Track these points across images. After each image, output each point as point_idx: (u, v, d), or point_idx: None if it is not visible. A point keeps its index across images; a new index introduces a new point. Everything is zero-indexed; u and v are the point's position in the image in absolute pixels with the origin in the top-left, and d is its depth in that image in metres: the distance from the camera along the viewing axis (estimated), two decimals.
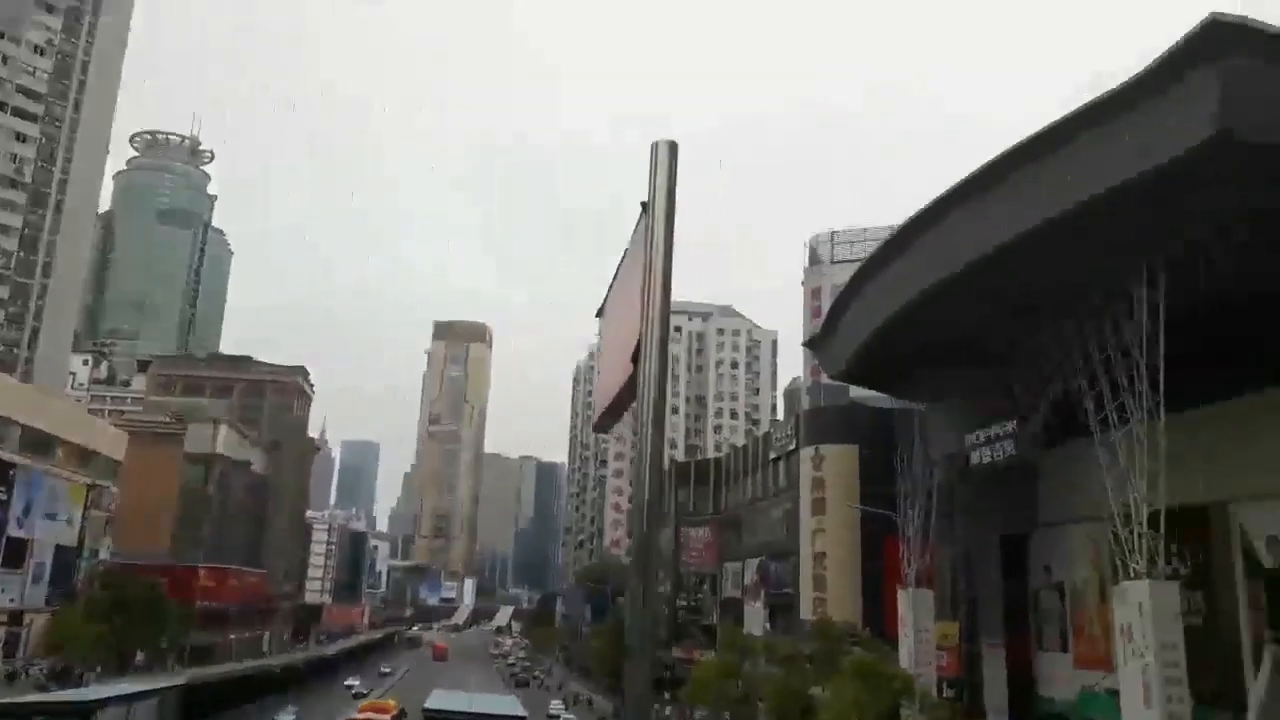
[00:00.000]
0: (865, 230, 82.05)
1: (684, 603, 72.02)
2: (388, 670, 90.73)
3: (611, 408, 3.52)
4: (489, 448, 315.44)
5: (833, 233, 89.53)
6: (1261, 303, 20.50)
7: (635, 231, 3.06)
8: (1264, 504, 23.93)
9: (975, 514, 35.85)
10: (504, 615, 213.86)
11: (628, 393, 3.09)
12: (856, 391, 55.18)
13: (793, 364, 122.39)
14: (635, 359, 2.87)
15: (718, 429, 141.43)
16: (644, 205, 2.91)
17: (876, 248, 32.67)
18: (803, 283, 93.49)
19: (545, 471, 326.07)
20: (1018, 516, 34.30)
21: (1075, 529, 30.73)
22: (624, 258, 3.31)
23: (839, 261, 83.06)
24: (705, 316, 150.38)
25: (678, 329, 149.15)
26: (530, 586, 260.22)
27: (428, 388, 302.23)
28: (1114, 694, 22.93)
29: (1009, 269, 23.11)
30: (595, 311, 3.82)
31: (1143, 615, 20.53)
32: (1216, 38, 16.72)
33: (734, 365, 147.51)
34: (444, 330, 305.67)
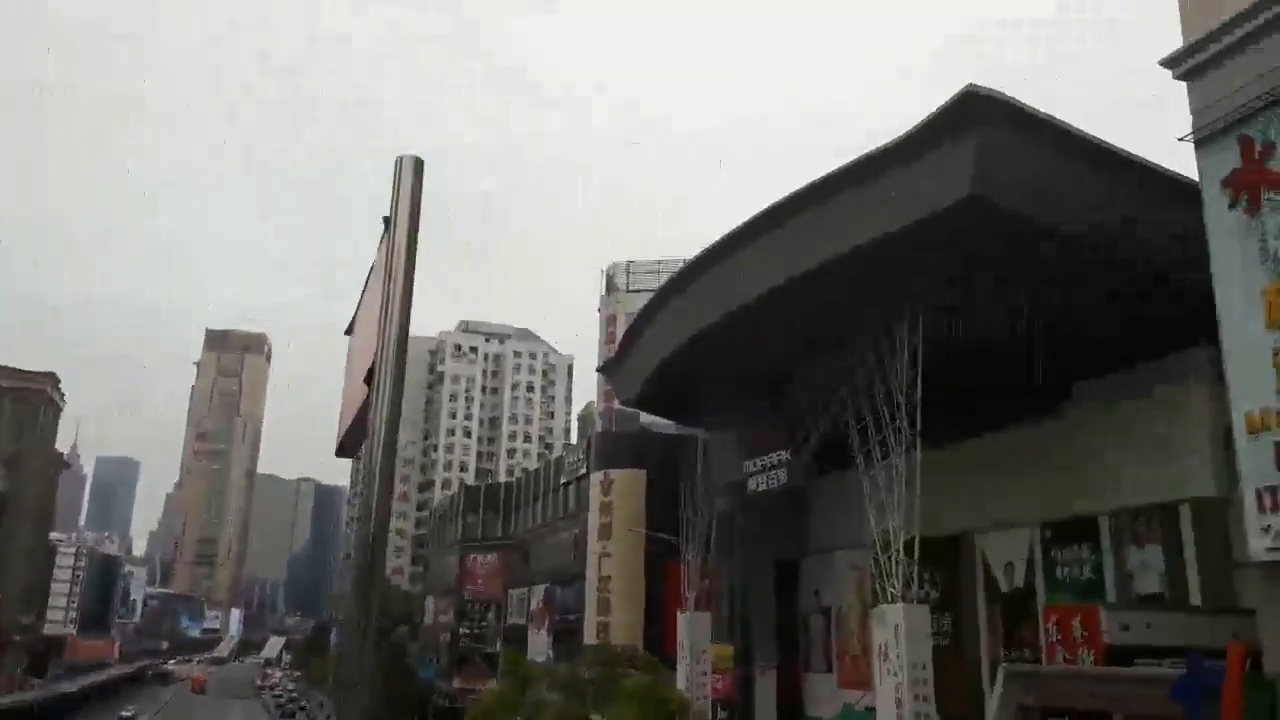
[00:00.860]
0: (660, 262, 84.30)
1: (467, 631, 70.49)
2: (129, 714, 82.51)
3: (352, 430, 3.33)
4: (264, 467, 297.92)
5: (629, 262, 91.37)
6: (1004, 350, 22.58)
7: (380, 248, 2.91)
8: (1002, 534, 26.28)
9: (752, 540, 37.27)
10: (274, 646, 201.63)
11: (366, 414, 2.92)
12: (648, 417, 56.22)
13: (590, 388, 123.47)
14: (369, 380, 2.72)
15: (511, 453, 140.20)
16: (386, 221, 2.77)
17: (668, 280, 33.66)
18: (599, 309, 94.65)
19: (325, 495, 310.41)
20: (791, 543, 36.02)
21: (842, 555, 32.57)
22: (369, 275, 3.16)
23: (635, 290, 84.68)
24: (503, 339, 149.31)
25: (474, 349, 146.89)
26: (304, 615, 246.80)
27: (197, 401, 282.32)
28: (872, 711, 24.36)
29: (784, 308, 24.35)
30: (344, 329, 3.63)
31: (897, 636, 21.97)
32: (973, 108, 18.41)
33: (530, 388, 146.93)
34: (218, 340, 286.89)
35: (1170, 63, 16.41)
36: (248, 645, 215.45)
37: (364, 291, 3.26)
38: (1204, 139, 15.80)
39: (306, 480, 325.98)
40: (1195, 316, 16.15)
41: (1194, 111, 16.14)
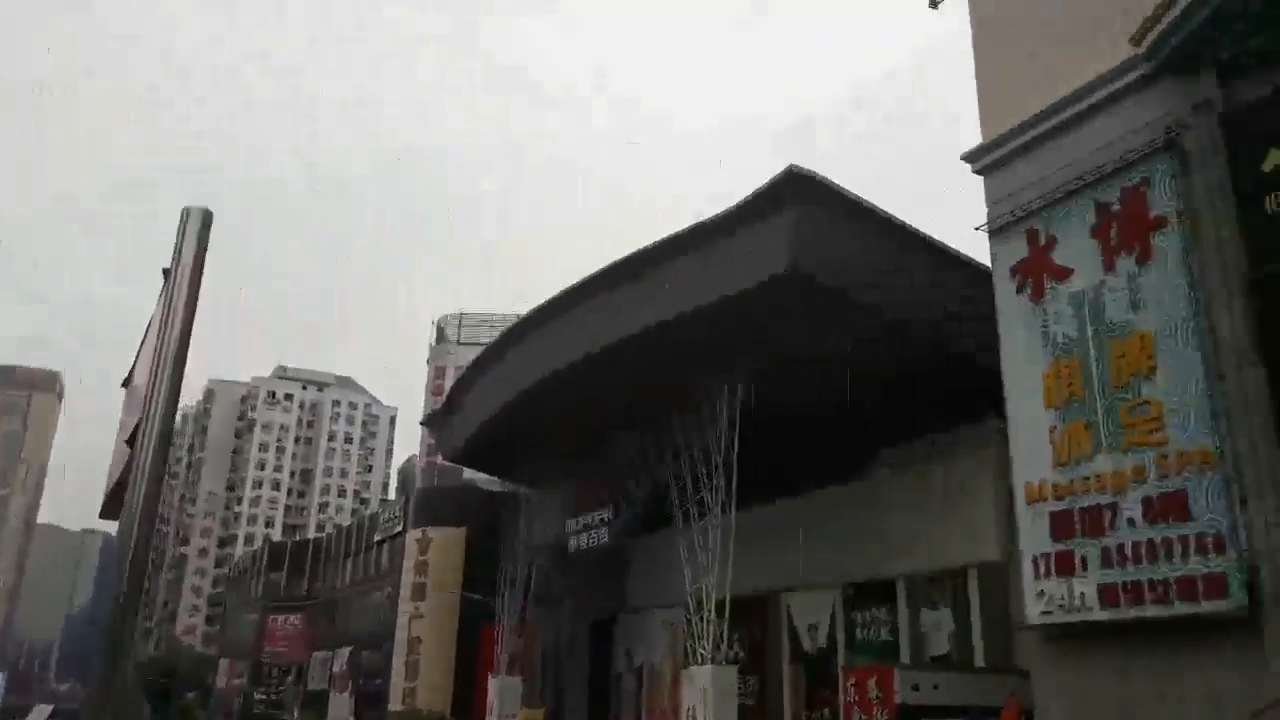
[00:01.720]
0: (492, 315, 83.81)
1: (263, 695, 66.14)
2: None
3: (116, 491, 3.08)
4: (45, 517, 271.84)
5: (461, 314, 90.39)
6: (816, 416, 23.62)
7: (159, 299, 2.73)
8: (808, 594, 27.22)
9: (571, 600, 37.01)
10: (40, 715, 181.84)
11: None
12: (472, 473, 55.13)
13: (413, 441, 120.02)
14: (132, 441, 2.52)
15: (324, 507, 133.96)
16: (165, 272, 2.61)
17: (499, 335, 33.41)
18: (428, 360, 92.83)
19: (112, 549, 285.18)
20: (609, 603, 35.99)
21: (657, 614, 32.79)
22: (148, 326, 2.95)
23: (465, 344, 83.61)
24: (321, 386, 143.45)
25: (289, 396, 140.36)
26: (79, 682, 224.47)
27: None
28: None
29: (607, 370, 24.63)
30: (121, 381, 3.37)
31: (705, 698, 22.21)
32: (793, 187, 19.43)
33: (349, 439, 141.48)
34: (3, 376, 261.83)
35: (969, 158, 17.92)
36: (9, 713, 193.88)
37: (142, 342, 3.05)
38: (996, 229, 17.25)
39: (92, 532, 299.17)
40: (988, 391, 17.42)
41: (989, 204, 17.62)
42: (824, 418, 23.35)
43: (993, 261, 17.46)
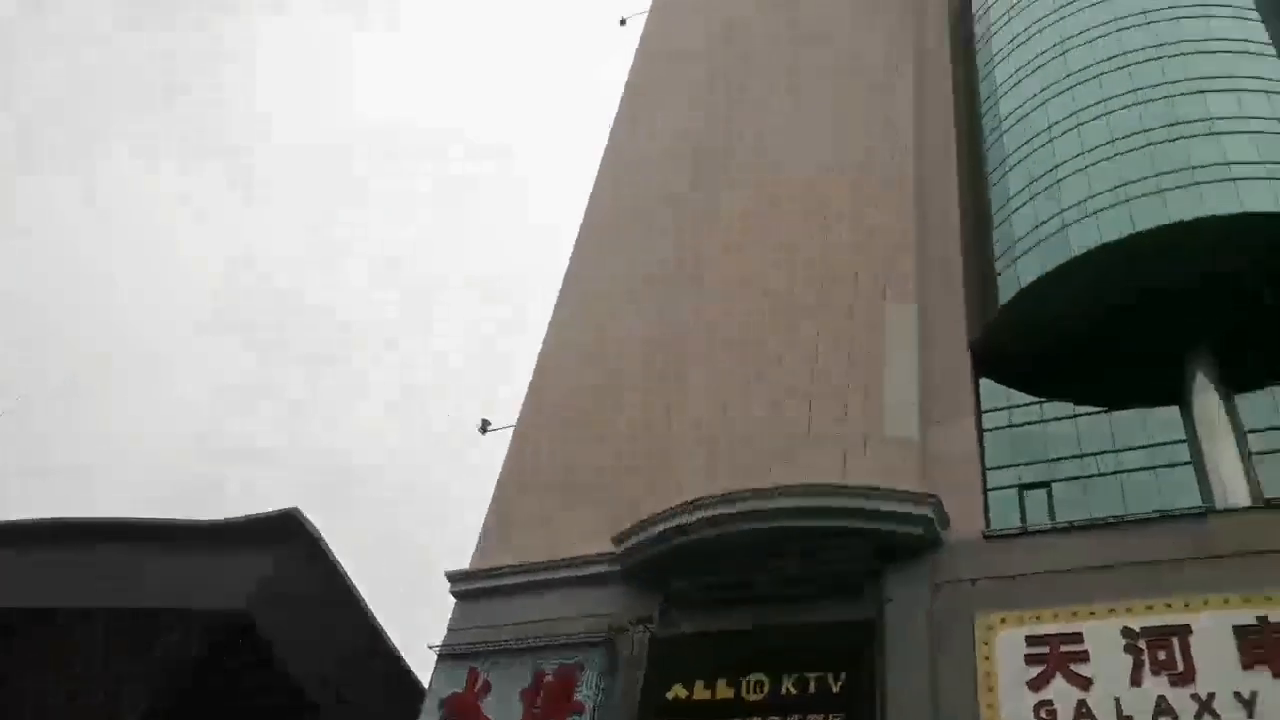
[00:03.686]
0: None
1: None
2: None
3: None
4: None
5: None
6: None
7: None
8: None
9: None
10: None
11: None
12: None
13: None
14: None
15: None
16: None
17: None
18: None
19: None
20: None
21: None
22: None
23: None
24: None
25: None
26: None
27: None
28: None
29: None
30: None
31: None
32: (276, 524, 18.66)
33: None
34: None
35: (450, 578, 18.25)
36: None
37: None
38: (443, 655, 17.17)
39: None
40: None
41: (450, 627, 17.68)
42: None
43: (430, 683, 17.13)
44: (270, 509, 19.19)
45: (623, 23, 34.66)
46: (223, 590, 18.11)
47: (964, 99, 23.45)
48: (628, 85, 30.16)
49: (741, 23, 28.95)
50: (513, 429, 21.34)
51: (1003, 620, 13.30)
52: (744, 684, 14.80)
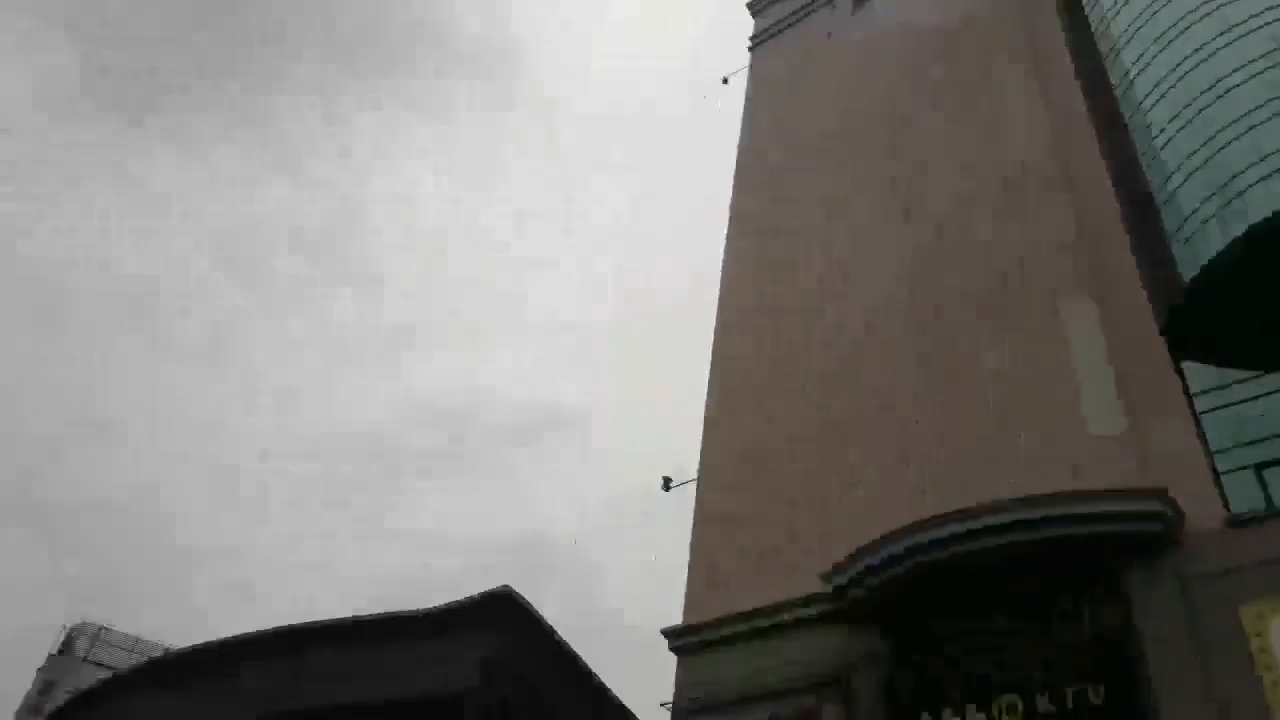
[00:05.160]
0: (140, 640, 73.23)
1: None
2: None
3: None
4: None
5: (100, 628, 78.40)
6: None
7: None
8: None
9: None
10: None
11: None
12: None
13: None
14: None
15: None
16: None
17: (136, 666, 28.87)
18: (39, 669, 78.51)
19: None
20: None
21: None
22: None
23: (95, 662, 71.81)
24: None
25: None
26: None
27: None
28: None
29: None
30: None
31: None
32: (491, 605, 19.22)
33: None
34: None
35: (666, 634, 18.43)
36: None
37: None
38: (676, 711, 17.32)
39: None
40: None
41: (678, 684, 17.84)
42: None
43: None
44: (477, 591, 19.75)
45: (725, 81, 35.43)
46: (462, 670, 18.67)
47: (1098, 88, 22.87)
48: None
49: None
50: (695, 481, 21.57)
51: (1273, 608, 12.58)
52: (994, 706, 14.41)
